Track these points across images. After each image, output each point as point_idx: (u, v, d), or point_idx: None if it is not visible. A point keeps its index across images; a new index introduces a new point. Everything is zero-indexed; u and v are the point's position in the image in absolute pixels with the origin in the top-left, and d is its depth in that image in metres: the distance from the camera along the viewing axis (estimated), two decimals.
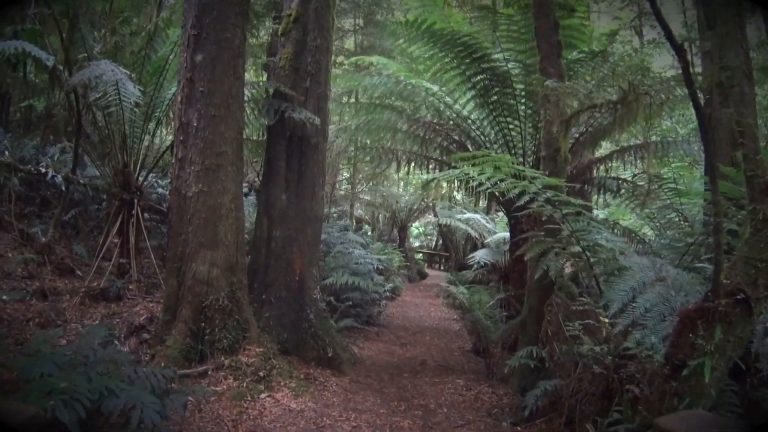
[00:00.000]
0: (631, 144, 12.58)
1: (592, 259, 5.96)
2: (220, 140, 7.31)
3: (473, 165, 6.70)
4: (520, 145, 11.12)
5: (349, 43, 24.60)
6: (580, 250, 6.21)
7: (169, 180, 11.36)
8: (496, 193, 12.07)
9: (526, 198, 6.71)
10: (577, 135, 10.87)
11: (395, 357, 9.71)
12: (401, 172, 25.07)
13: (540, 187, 6.36)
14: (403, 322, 14.10)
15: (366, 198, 28.52)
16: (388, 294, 16.49)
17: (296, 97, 8.27)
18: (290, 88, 8.37)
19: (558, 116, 7.28)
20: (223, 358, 6.91)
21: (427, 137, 12.16)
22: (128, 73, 9.22)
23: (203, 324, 7.08)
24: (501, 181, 6.75)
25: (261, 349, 7.19)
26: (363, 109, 12.66)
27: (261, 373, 6.83)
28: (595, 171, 12.17)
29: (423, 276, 27.24)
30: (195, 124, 7.31)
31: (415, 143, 12.52)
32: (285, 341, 8.00)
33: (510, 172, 6.66)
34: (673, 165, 12.31)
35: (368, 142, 13.49)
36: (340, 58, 22.02)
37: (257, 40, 14.78)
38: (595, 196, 12.62)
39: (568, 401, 6.43)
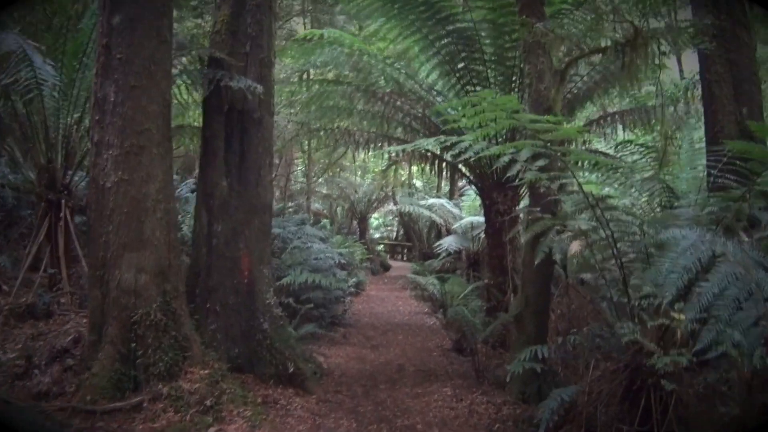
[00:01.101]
0: (613, 111, 11.53)
1: (615, 235, 4.79)
2: (141, 116, 5.93)
3: (465, 116, 5.39)
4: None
5: (299, 28, 23.14)
6: (594, 225, 5.02)
7: None
8: (466, 172, 10.92)
9: (518, 166, 5.49)
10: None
11: (367, 363, 8.45)
12: (360, 156, 23.88)
13: (546, 145, 5.13)
14: (371, 320, 12.87)
15: (323, 191, 27.18)
16: (352, 290, 15.23)
17: (235, 64, 6.90)
18: (228, 54, 7.01)
19: (549, 67, 6.10)
20: (160, 386, 5.56)
21: (387, 114, 10.88)
22: (37, 45, 7.83)
23: (134, 344, 5.72)
24: (492, 140, 5.52)
25: (206, 371, 5.86)
26: (314, 87, 11.30)
27: (208, 402, 5.50)
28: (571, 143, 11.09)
29: (386, 268, 26.19)
30: (112, 99, 5.93)
31: (374, 123, 11.24)
32: (236, 357, 6.67)
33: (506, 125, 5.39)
34: (654, 133, 11.36)
35: (320, 125, 12.15)
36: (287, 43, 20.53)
37: None
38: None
39: (586, 409, 5.32)
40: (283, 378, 6.56)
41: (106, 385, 5.55)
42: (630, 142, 10.57)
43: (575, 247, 5.31)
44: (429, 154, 11.56)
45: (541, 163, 5.69)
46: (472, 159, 9.23)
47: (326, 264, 13.10)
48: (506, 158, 5.46)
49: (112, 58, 5.98)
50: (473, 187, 11.10)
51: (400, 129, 11.25)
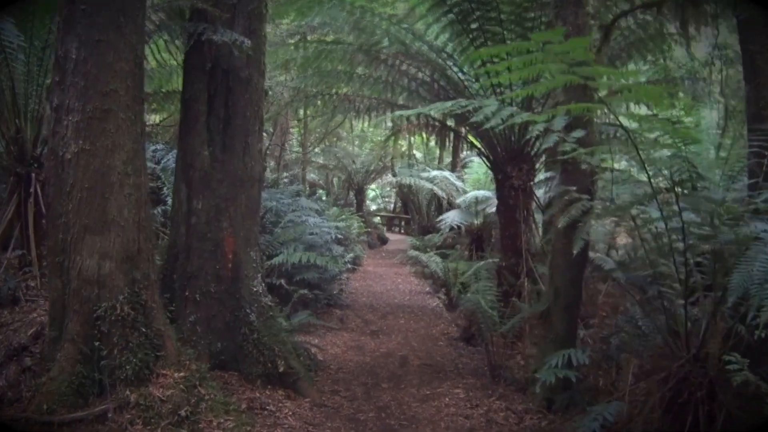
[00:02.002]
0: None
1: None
2: (107, 76, 5.00)
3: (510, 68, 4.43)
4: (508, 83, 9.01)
5: None
6: (663, 214, 4.11)
7: None
8: (477, 142, 10.01)
9: (554, 138, 4.60)
10: None
11: (367, 354, 7.64)
12: (359, 126, 22.90)
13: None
14: (369, 300, 12.08)
15: (320, 161, 26.22)
16: (349, 266, 14.44)
17: (220, 15, 5.94)
18: (212, 5, 6.04)
19: (587, 24, 5.18)
20: (128, 392, 4.73)
21: (390, 80, 9.93)
22: None
23: (98, 343, 4.89)
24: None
25: (182, 374, 5.03)
26: (311, 47, 10.29)
27: (182, 411, 4.68)
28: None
29: (384, 241, 25.44)
30: (74, 56, 4.99)
31: (376, 89, 10.28)
32: (220, 353, 5.85)
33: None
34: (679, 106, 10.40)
35: (318, 90, 11.19)
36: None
37: None
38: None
39: (625, 426, 4.56)
40: (272, 378, 5.74)
41: (65, 390, 4.73)
42: (655, 115, 9.62)
43: (622, 236, 4.44)
44: (436, 123, 10.66)
45: (578, 134, 4.82)
46: (498, 127, 8.37)
47: (322, 239, 12.28)
48: (540, 127, 4.58)
49: (76, 9, 5.03)
50: (483, 159, 10.17)
51: (403, 95, 10.30)
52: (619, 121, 5.17)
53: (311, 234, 11.29)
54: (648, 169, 4.22)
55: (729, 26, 7.45)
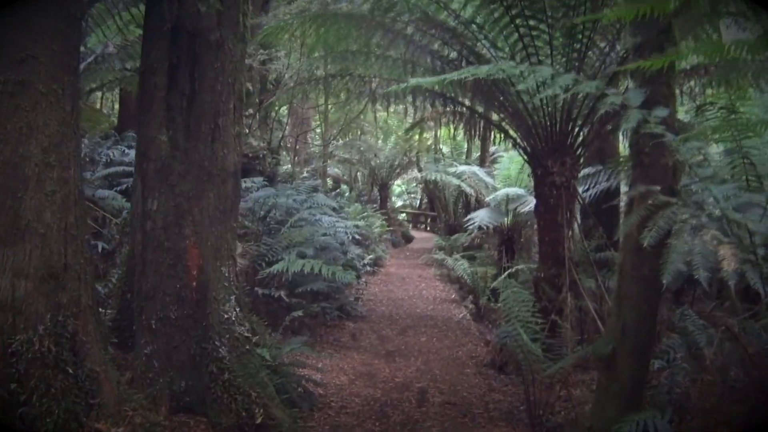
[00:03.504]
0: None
1: None
2: (23, 37, 3.78)
3: None
4: (548, 61, 7.58)
5: None
6: None
7: None
8: (512, 131, 8.59)
9: (636, 116, 3.22)
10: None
11: (379, 386, 6.31)
12: (381, 116, 21.57)
13: None
14: (388, 309, 10.76)
15: (344, 155, 24.96)
16: (368, 268, 13.13)
17: None
18: None
19: None
20: None
21: (411, 58, 8.56)
22: None
23: (14, 385, 3.66)
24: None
25: (122, 429, 3.79)
26: (321, 24, 8.95)
27: None
28: None
29: (408, 239, 24.19)
30: None
31: (395, 69, 8.93)
32: (183, 393, 4.58)
33: None
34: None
35: (329, 72, 9.90)
36: None
37: None
38: None
39: None
40: (248, 429, 4.44)
41: None
42: (712, 104, 8.14)
43: (727, 259, 3.04)
44: (464, 109, 9.28)
45: (662, 113, 3.44)
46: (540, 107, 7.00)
47: (337, 240, 11.05)
48: (612, 100, 3.21)
49: None
50: (519, 151, 8.74)
51: (426, 76, 8.93)
52: None
53: (324, 235, 10.02)
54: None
55: None
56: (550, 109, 7.61)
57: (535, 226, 14.01)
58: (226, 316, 4.61)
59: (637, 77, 3.95)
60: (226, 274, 4.69)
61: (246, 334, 4.70)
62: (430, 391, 6.15)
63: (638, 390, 3.99)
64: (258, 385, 4.54)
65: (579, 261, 8.02)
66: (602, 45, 7.71)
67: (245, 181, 10.54)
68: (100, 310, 5.12)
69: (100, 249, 7.21)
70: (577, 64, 7.53)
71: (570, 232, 7.78)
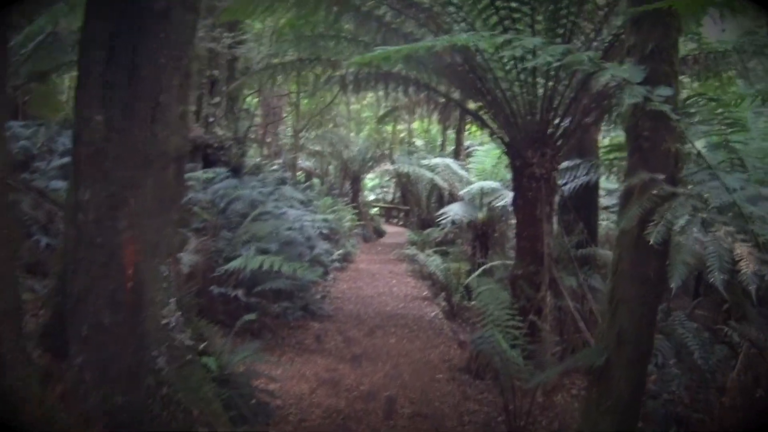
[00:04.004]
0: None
1: None
2: None
3: None
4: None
5: None
6: None
7: None
8: (489, 120, 8.07)
9: (641, 91, 2.74)
10: None
11: (342, 395, 5.77)
12: (353, 106, 21.02)
13: None
14: (357, 307, 10.24)
15: (316, 148, 24.37)
16: (337, 264, 12.59)
17: None
18: None
19: None
20: None
21: (384, 41, 7.99)
22: None
23: None
24: None
25: None
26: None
27: None
28: None
29: (380, 234, 23.71)
30: None
31: (367, 53, 8.34)
32: (119, 409, 3.98)
33: None
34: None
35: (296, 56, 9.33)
36: None
37: None
38: None
39: None
40: None
41: None
42: (701, 95, 7.71)
43: (746, 259, 2.57)
44: (440, 99, 8.76)
45: (666, 92, 2.97)
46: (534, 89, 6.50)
47: (303, 235, 10.52)
48: (614, 72, 2.73)
49: None
50: (497, 142, 8.24)
51: (401, 65, 8.41)
52: None
53: (290, 229, 9.48)
54: None
55: None
56: (530, 97, 7.14)
57: (511, 221, 13.60)
58: (164, 321, 4.02)
59: (636, 53, 3.47)
60: (165, 274, 4.11)
61: (188, 342, 4.12)
62: (398, 400, 5.63)
63: (635, 404, 3.53)
64: (201, 400, 3.98)
65: (559, 258, 7.59)
66: (588, 31, 7.23)
67: (206, 171, 9.95)
68: (41, 312, 4.58)
69: (44, 244, 6.59)
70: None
71: (549, 227, 7.33)
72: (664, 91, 3.05)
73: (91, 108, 3.99)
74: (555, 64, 3.42)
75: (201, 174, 9.04)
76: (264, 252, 8.22)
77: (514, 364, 4.45)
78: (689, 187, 3.28)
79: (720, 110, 5.40)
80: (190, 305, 4.45)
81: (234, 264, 6.62)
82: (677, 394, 4.39)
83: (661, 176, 3.05)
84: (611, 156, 8.87)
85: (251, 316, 5.63)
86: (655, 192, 2.98)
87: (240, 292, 6.73)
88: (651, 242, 2.79)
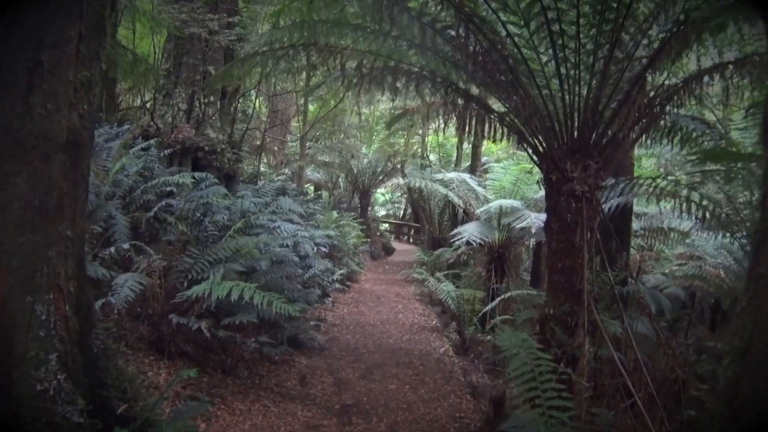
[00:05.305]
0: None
1: None
2: None
3: None
4: (573, 43, 5.70)
5: None
6: None
7: None
8: (521, 127, 6.68)
9: None
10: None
11: None
12: (364, 112, 19.73)
13: None
14: (354, 339, 8.89)
15: (324, 158, 23.11)
16: (337, 286, 11.25)
17: None
18: None
19: None
20: None
21: (394, 30, 6.68)
22: None
23: None
24: None
25: None
26: None
27: None
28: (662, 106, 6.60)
29: (389, 251, 22.41)
30: None
31: (375, 40, 7.03)
32: None
33: None
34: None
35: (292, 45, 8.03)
36: None
37: None
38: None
39: None
40: None
41: None
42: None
43: None
44: (459, 99, 7.38)
45: None
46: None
47: (301, 252, 9.27)
48: None
49: None
50: (528, 152, 6.78)
51: (415, 57, 7.11)
52: None
53: (283, 246, 8.17)
54: None
55: None
56: (571, 96, 5.80)
57: (532, 245, 12.13)
58: (40, 387, 2.68)
59: None
60: (44, 317, 2.77)
61: (76, 419, 2.77)
62: None
63: None
64: None
65: (599, 296, 6.19)
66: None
67: (183, 175, 8.53)
68: None
69: None
70: (607, 49, 5.70)
71: (590, 258, 5.95)
72: None
73: None
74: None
75: (178, 178, 7.71)
76: (249, 272, 6.94)
77: None
78: None
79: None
80: (79, 362, 3.05)
81: (197, 290, 5.28)
82: None
83: None
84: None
85: (189, 373, 4.14)
86: None
87: (203, 324, 5.37)
88: None
